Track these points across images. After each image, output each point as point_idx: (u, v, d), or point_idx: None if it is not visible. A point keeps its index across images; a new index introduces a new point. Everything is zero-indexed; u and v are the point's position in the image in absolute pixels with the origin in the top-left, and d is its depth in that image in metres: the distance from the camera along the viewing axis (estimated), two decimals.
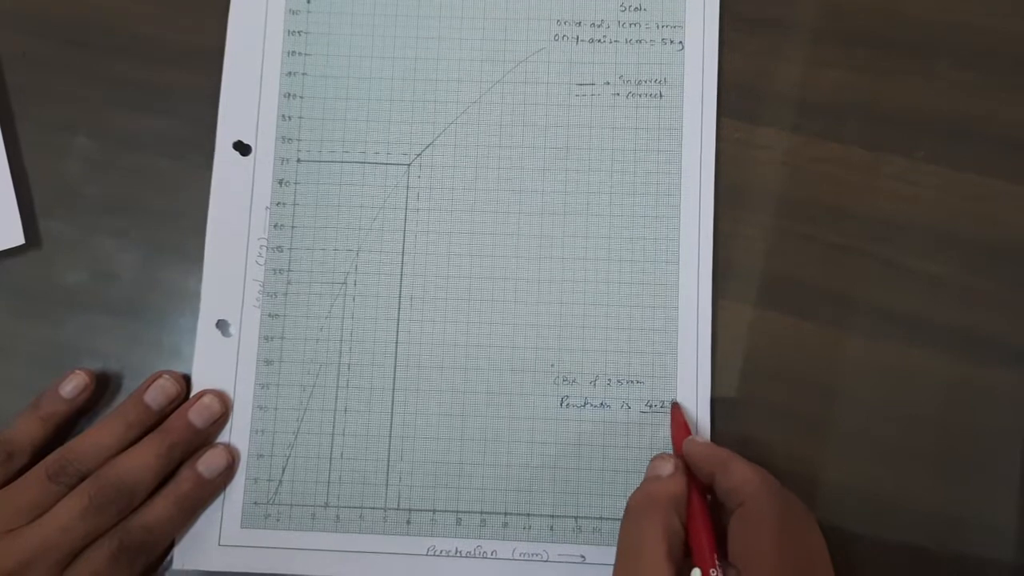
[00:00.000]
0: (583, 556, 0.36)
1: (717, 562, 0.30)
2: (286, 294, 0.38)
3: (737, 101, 0.39)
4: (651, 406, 0.37)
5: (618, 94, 0.39)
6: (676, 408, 0.36)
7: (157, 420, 0.36)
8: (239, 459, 0.37)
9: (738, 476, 0.31)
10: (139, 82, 0.40)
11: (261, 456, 0.37)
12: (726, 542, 0.31)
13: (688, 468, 0.33)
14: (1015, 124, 0.38)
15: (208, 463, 0.36)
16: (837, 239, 0.38)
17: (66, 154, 0.39)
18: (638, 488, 0.33)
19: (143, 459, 0.34)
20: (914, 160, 0.38)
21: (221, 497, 0.37)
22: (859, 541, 0.36)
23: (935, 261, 0.38)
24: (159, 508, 0.34)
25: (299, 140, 0.39)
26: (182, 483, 0.35)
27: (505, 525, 0.36)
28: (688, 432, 0.35)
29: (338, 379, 0.38)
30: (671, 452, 0.36)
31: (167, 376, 0.36)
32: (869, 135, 0.39)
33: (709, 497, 0.33)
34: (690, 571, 0.30)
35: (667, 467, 0.33)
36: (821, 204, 0.38)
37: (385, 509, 0.37)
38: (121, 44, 0.40)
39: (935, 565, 0.36)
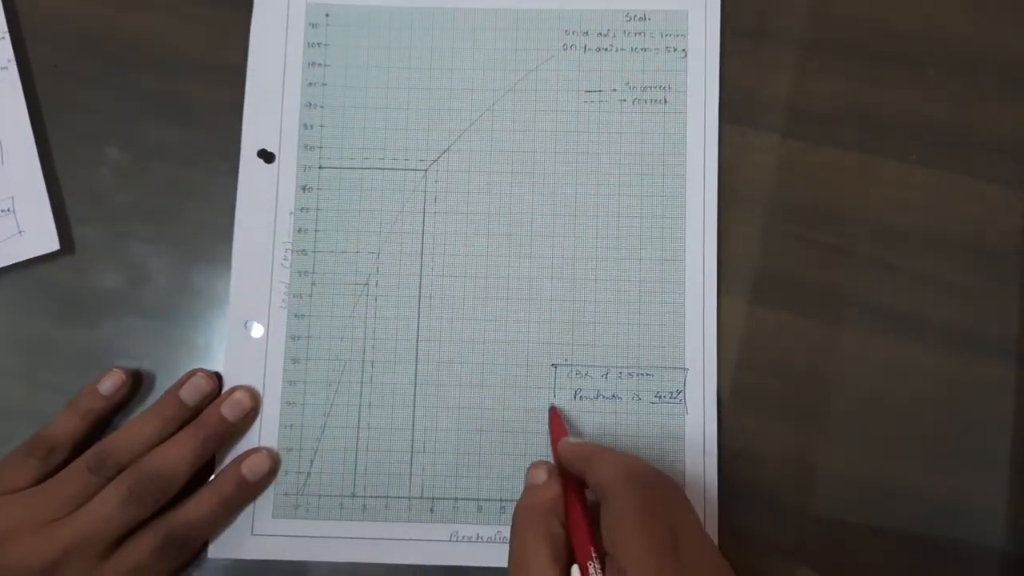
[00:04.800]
0: None
1: (594, 554, 0.30)
2: (311, 295, 0.40)
3: (738, 107, 0.41)
4: (660, 396, 0.39)
5: (625, 100, 0.41)
6: (553, 410, 0.38)
7: (191, 415, 0.37)
8: (280, 464, 0.38)
9: (601, 470, 0.31)
10: (166, 95, 0.42)
11: (290, 450, 0.39)
12: None
13: (564, 469, 0.34)
14: (1003, 130, 0.40)
15: (252, 466, 0.37)
16: (832, 240, 0.39)
17: (98, 164, 0.41)
18: (519, 499, 0.34)
19: (179, 451, 0.36)
20: (907, 164, 0.40)
21: None
22: (855, 529, 0.38)
23: (925, 260, 0.39)
24: (204, 506, 0.36)
25: (321, 148, 0.41)
26: (227, 484, 0.37)
27: None
28: (564, 433, 0.36)
29: (362, 375, 0.39)
30: (549, 459, 0.37)
31: (201, 374, 0.38)
32: (863, 141, 0.40)
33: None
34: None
35: (541, 475, 0.34)
36: (817, 207, 0.40)
37: (409, 498, 0.38)
38: (148, 59, 0.42)
39: (928, 551, 0.38)
